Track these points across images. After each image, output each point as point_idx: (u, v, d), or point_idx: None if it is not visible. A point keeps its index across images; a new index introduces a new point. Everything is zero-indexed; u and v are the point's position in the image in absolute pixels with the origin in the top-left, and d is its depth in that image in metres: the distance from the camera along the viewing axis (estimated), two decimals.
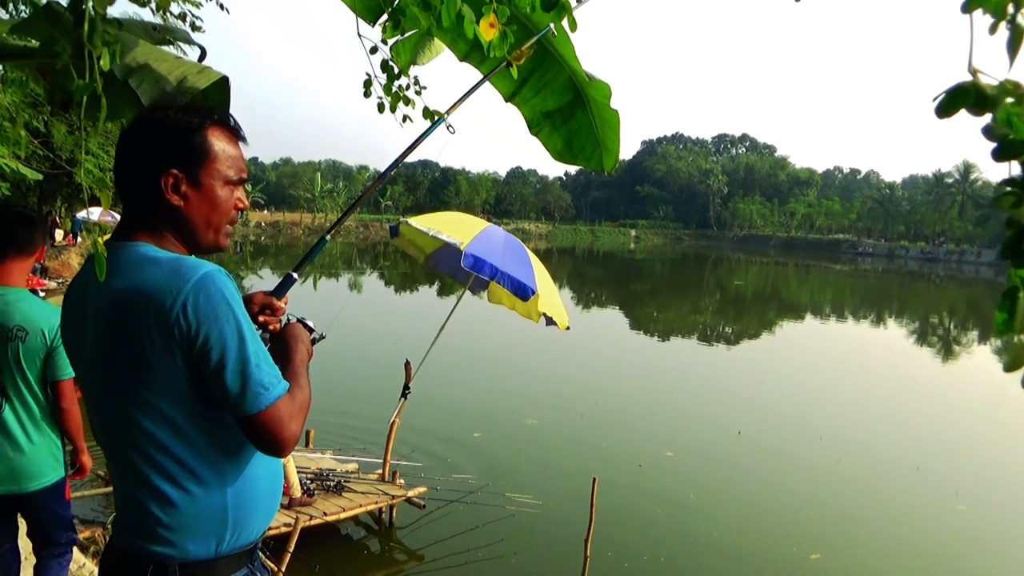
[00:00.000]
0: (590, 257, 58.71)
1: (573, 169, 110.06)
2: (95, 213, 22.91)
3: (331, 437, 7.57)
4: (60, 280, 16.16)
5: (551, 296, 5.85)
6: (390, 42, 2.32)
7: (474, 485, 6.71)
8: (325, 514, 5.57)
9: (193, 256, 1.35)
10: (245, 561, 1.42)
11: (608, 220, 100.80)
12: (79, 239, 24.51)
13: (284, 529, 5.28)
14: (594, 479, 2.93)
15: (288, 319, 1.62)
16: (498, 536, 5.99)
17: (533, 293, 5.56)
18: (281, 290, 1.68)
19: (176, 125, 1.34)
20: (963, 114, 0.88)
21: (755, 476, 7.87)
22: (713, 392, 12.15)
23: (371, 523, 6.24)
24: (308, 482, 5.97)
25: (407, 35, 2.44)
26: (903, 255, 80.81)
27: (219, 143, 1.38)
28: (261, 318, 1.60)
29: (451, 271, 6.82)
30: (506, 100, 2.57)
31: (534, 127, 2.61)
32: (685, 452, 8.42)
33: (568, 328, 5.83)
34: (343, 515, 5.73)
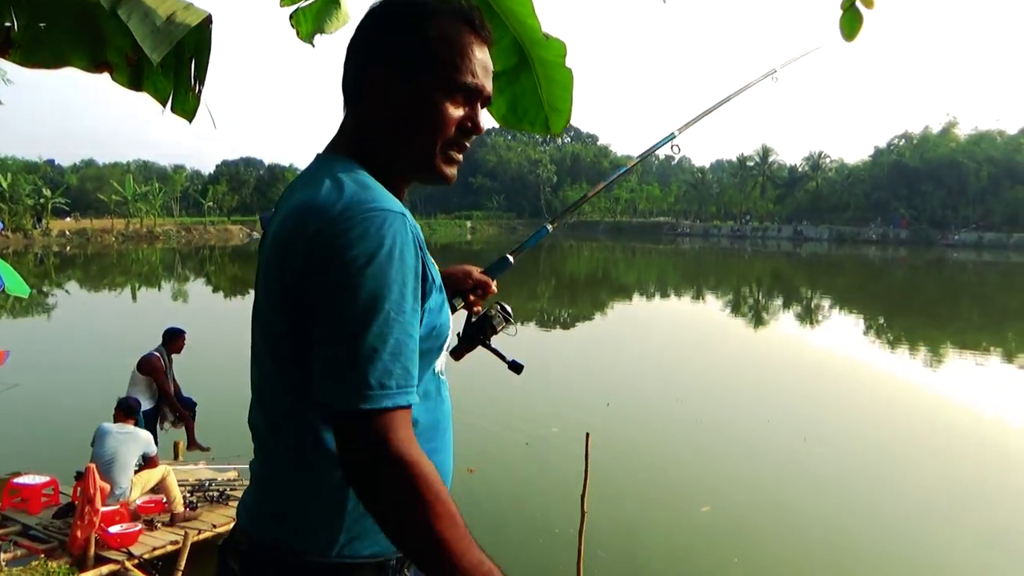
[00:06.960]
0: (428, 251, 58.41)
1: None
2: None
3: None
4: None
5: None
6: (289, 10, 2.12)
7: None
8: (214, 526, 5.19)
9: None
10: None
11: (443, 213, 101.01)
12: None
13: (171, 548, 4.89)
14: (587, 436, 2.97)
15: (491, 308, 1.51)
16: None
17: None
18: (495, 272, 1.53)
19: None
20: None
21: (632, 442, 8.26)
22: (572, 370, 12.59)
23: None
24: (189, 495, 5.53)
25: (309, 1, 2.25)
26: (716, 234, 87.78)
27: None
28: (471, 297, 1.48)
29: None
30: None
31: None
32: (565, 426, 8.67)
33: None
34: (233, 524, 5.39)
